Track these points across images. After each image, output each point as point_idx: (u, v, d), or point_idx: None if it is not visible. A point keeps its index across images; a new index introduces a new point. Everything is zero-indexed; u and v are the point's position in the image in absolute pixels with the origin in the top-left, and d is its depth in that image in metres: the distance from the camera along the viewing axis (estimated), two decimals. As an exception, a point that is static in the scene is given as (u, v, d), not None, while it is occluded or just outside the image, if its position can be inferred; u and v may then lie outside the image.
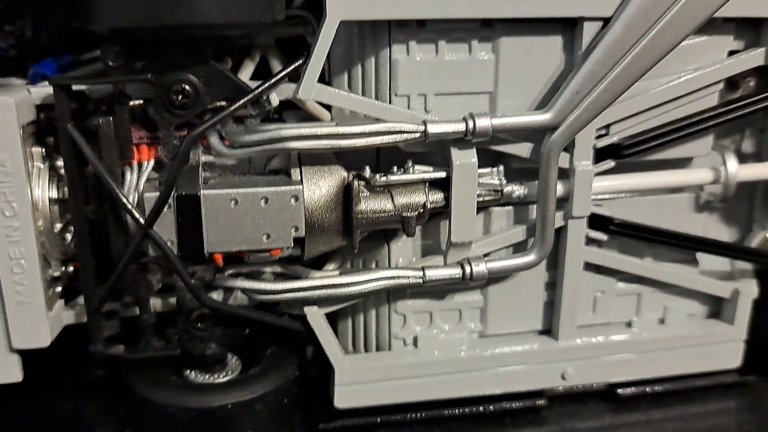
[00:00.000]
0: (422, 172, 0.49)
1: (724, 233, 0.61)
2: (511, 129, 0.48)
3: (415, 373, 0.52)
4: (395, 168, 0.49)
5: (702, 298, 0.58)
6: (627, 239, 0.55)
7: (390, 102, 0.48)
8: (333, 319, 0.53)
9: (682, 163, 0.55)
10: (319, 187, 0.46)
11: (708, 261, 0.59)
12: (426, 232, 0.52)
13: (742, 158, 0.57)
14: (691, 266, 0.57)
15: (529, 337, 0.55)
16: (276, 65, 0.50)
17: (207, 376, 0.50)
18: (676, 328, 0.57)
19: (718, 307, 0.59)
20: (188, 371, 0.50)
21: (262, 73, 0.50)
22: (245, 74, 0.49)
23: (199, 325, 0.48)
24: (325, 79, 0.49)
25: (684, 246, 0.55)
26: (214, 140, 0.45)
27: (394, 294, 0.52)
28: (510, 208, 0.53)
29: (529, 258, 0.51)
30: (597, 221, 0.53)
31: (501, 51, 0.49)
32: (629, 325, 0.57)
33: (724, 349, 0.58)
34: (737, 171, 0.54)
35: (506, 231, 0.52)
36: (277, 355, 0.52)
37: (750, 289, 0.57)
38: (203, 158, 0.46)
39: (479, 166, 0.49)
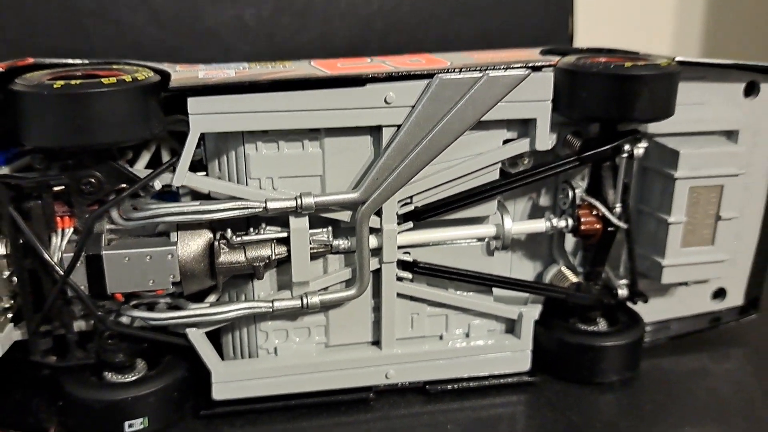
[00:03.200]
0: (270, 232, 0.68)
1: (528, 269, 0.81)
2: (330, 204, 0.67)
3: (275, 373, 0.72)
4: (251, 229, 0.68)
5: (499, 318, 0.78)
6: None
7: (246, 183, 0.67)
8: (218, 334, 0.73)
9: (477, 220, 0.74)
10: (189, 246, 0.66)
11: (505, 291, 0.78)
12: (280, 273, 0.71)
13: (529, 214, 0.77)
14: (487, 295, 0.77)
15: (362, 346, 0.75)
16: (165, 155, 0.69)
17: (119, 377, 0.70)
18: (478, 340, 0.77)
19: (512, 325, 0.78)
20: (107, 373, 0.70)
21: (157, 160, 0.69)
22: (142, 162, 0.68)
23: (109, 341, 0.67)
24: (203, 162, 0.69)
25: (473, 281, 0.74)
26: (114, 215, 0.64)
27: (258, 317, 0.72)
28: (342, 255, 0.72)
29: (351, 292, 0.71)
30: (407, 264, 0.72)
31: (325, 147, 0.67)
32: (441, 338, 0.77)
33: (515, 356, 0.77)
34: (512, 227, 0.73)
35: (338, 272, 0.71)
36: (172, 361, 0.71)
37: (532, 313, 0.76)
38: (108, 226, 0.65)
39: (315, 227, 0.68)
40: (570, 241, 0.81)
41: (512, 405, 0.75)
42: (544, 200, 0.79)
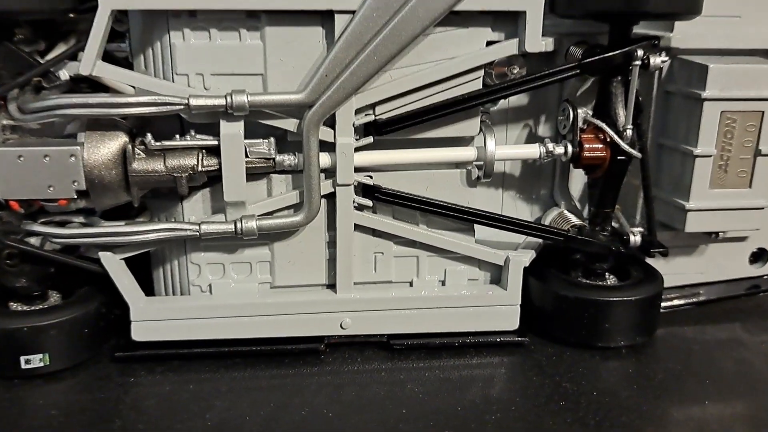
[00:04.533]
0: (199, 139, 0.57)
1: (524, 211, 0.68)
2: (268, 105, 0.56)
3: (207, 314, 0.60)
4: (179, 136, 0.58)
5: (483, 266, 0.65)
6: (404, 208, 0.62)
7: (173, 80, 0.57)
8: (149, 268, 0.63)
9: (457, 141, 0.62)
10: (98, 148, 0.55)
11: (498, 233, 0.65)
12: (217, 196, 0.60)
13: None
14: (468, 235, 0.64)
15: (314, 289, 0.63)
16: (85, 47, 0.59)
17: (25, 307, 0.60)
18: (455, 289, 0.64)
19: (498, 274, 0.65)
20: (12, 303, 0.60)
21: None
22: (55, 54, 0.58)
23: (9, 261, 0.57)
24: (129, 60, 0.59)
25: (447, 214, 0.61)
26: (11, 107, 0.54)
27: (190, 246, 0.61)
28: (289, 175, 0.60)
29: (297, 218, 0.59)
30: (367, 190, 0.60)
31: (267, 39, 0.56)
32: (411, 284, 0.64)
33: (501, 312, 0.64)
34: (495, 150, 0.60)
35: (284, 195, 0.60)
36: (87, 292, 0.61)
37: (521, 258, 0.63)
38: (5, 121, 0.55)
39: (254, 137, 0.57)
40: (577, 182, 0.68)
41: (491, 367, 0.61)
42: (543, 129, 0.66)
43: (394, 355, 0.63)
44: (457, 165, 0.62)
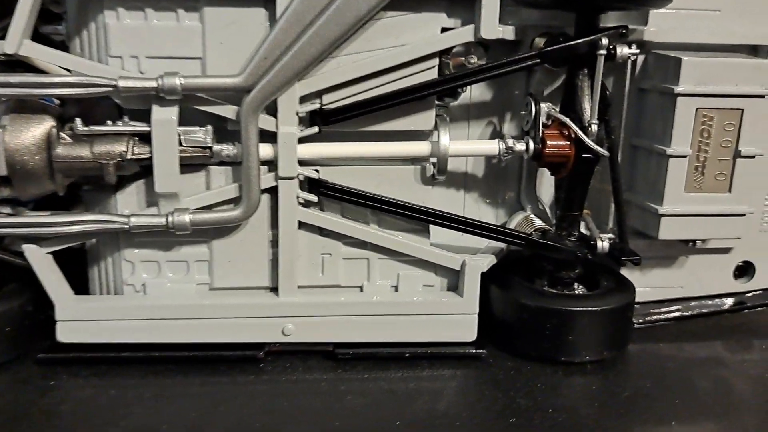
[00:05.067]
0: (130, 125, 0.53)
1: (488, 215, 0.64)
2: (202, 89, 0.52)
3: (139, 316, 0.56)
4: (110, 122, 0.54)
5: (440, 271, 0.60)
6: (355, 206, 0.58)
7: (107, 63, 0.53)
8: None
9: (413, 136, 0.58)
10: (21, 132, 0.52)
11: (460, 236, 0.61)
12: (150, 186, 0.56)
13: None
14: (423, 236, 0.60)
15: (256, 292, 0.59)
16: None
17: (-54, 302, 0.56)
18: (409, 295, 0.60)
19: (455, 281, 0.60)
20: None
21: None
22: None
23: (-76, 252, 0.54)
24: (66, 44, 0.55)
25: (398, 213, 0.57)
26: (-72, 87, 0.51)
27: (124, 242, 0.57)
28: (229, 168, 0.56)
29: (234, 213, 0.55)
30: (313, 184, 0.56)
31: (206, 20, 0.53)
32: (361, 289, 0.60)
33: (457, 321, 0.59)
34: (449, 145, 0.56)
35: (223, 188, 0.56)
36: (13, 289, 0.57)
37: (479, 263, 0.59)
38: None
39: (190, 125, 0.54)
40: (548, 186, 0.64)
41: (442, 380, 0.57)
42: (510, 128, 0.62)
43: (339, 365, 0.58)
44: (414, 161, 0.58)
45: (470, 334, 0.59)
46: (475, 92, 0.60)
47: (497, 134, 0.62)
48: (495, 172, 0.63)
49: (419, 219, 0.57)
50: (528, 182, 0.63)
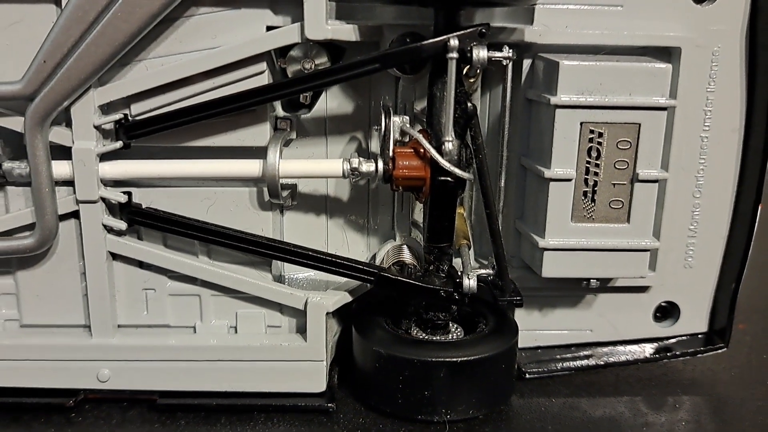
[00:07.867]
0: None
1: (358, 245, 0.55)
2: (-24, 98, 0.45)
3: (-66, 356, 0.50)
4: None
5: (286, 310, 0.52)
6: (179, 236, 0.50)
7: None
8: None
9: (248, 153, 0.50)
10: None
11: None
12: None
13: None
14: (263, 270, 0.51)
15: (70, 331, 0.51)
16: None
17: None
18: (247, 339, 0.51)
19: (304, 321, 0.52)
20: None
21: None
22: None
23: None
24: None
25: (224, 242, 0.49)
26: None
27: None
28: (29, 189, 0.49)
29: (27, 242, 0.47)
30: (124, 209, 0.49)
31: (-13, 18, 0.46)
32: (195, 330, 0.52)
33: (303, 369, 0.51)
34: (279, 163, 0.48)
35: (20, 212, 0.49)
36: None
37: (324, 301, 0.50)
38: None
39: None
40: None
41: (283, 441, 0.48)
42: (376, 145, 0.53)
43: (162, 416, 0.50)
44: (256, 183, 0.50)
45: (318, 384, 0.51)
46: (332, 104, 0.52)
47: (364, 152, 0.54)
48: (364, 194, 0.55)
49: (249, 251, 0.49)
50: (400, 206, 0.54)
